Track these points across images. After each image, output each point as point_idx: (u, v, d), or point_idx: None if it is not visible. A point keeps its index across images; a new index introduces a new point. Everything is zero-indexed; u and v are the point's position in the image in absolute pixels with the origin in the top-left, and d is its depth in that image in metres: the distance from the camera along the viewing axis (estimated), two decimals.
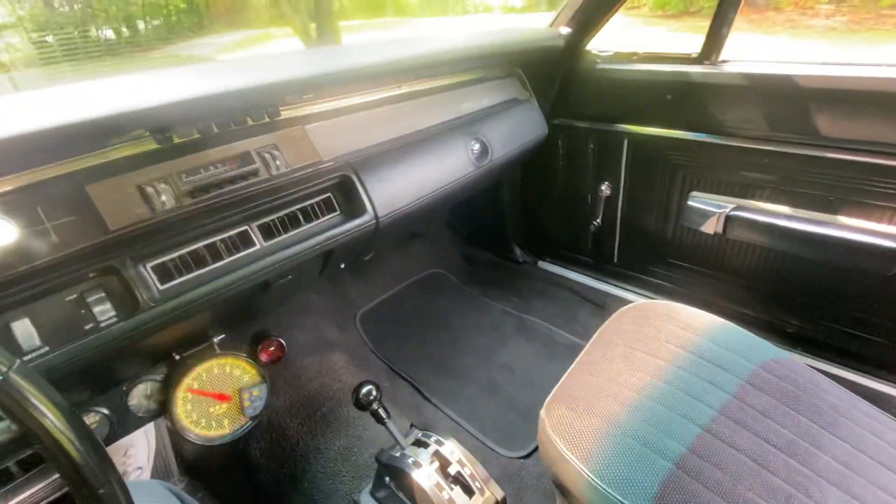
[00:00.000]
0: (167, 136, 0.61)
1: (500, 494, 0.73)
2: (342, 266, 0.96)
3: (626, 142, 1.24)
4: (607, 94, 1.23)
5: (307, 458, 0.97)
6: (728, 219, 1.10)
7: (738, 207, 1.09)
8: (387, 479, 0.79)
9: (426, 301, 1.61)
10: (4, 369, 0.25)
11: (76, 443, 0.27)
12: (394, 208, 0.86)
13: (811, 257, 1.04)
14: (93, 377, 0.67)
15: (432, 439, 0.77)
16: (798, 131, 0.97)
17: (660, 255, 1.34)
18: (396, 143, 0.92)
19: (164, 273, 0.64)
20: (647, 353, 0.76)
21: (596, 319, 1.51)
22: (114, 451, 0.87)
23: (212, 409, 0.79)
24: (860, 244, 0.94)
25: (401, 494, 0.77)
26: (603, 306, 1.50)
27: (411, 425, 0.82)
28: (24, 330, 0.54)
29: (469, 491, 0.72)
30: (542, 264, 1.68)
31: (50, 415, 0.26)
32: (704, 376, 0.72)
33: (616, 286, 1.51)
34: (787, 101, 0.96)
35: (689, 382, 0.71)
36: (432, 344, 1.42)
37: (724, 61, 1.06)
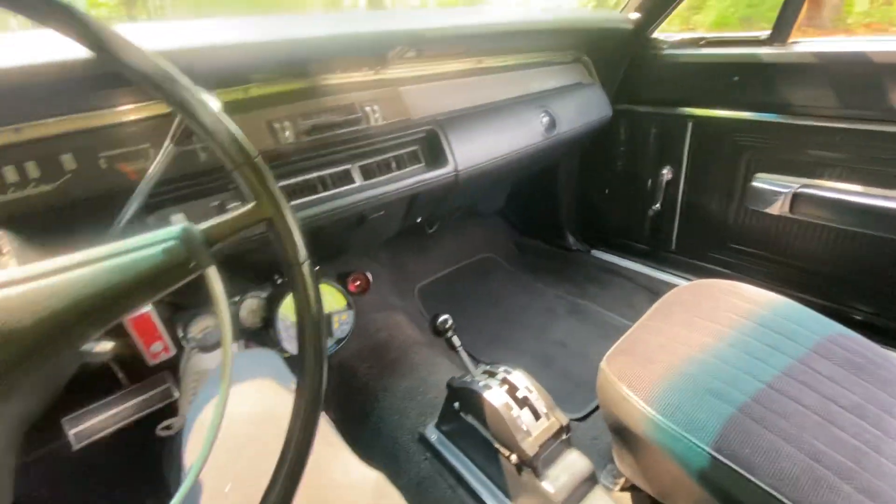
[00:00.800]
0: (302, 71, 0.73)
1: (564, 420, 0.77)
2: (419, 220, 1.05)
3: (689, 125, 1.27)
4: (673, 79, 1.27)
5: (375, 397, 1.05)
6: (795, 198, 1.11)
7: (806, 186, 1.09)
8: (456, 404, 0.85)
9: (479, 282, 1.68)
10: (253, 155, 0.35)
11: (291, 216, 0.36)
12: (472, 163, 0.95)
13: (883, 235, 1.03)
14: None
15: (501, 369, 0.83)
16: (871, 107, 0.98)
17: (720, 240, 1.34)
18: (475, 109, 1.01)
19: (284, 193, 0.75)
20: (709, 321, 0.77)
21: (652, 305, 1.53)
22: (200, 374, 0.99)
23: None
24: None
25: (469, 418, 0.83)
26: (659, 294, 1.51)
27: (478, 361, 0.88)
28: (180, 221, 0.66)
29: (536, 414, 0.77)
30: (596, 252, 1.71)
31: (278, 195, 0.36)
32: (767, 342, 0.72)
33: (673, 273, 1.52)
34: (860, 77, 0.98)
35: (752, 346, 0.71)
36: (486, 319, 1.48)
37: (794, 42, 1.09)
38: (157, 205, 0.66)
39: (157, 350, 0.63)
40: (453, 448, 0.90)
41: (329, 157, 0.81)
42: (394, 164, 0.88)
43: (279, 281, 0.88)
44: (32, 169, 0.59)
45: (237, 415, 0.53)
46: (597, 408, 1.10)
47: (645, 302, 1.53)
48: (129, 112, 0.66)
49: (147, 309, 0.63)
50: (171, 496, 0.33)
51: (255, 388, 0.56)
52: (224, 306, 0.36)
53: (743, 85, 1.15)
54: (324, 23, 0.74)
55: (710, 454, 0.59)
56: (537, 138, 1.09)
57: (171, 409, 0.99)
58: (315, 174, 0.79)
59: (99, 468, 0.95)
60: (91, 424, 0.98)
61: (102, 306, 0.32)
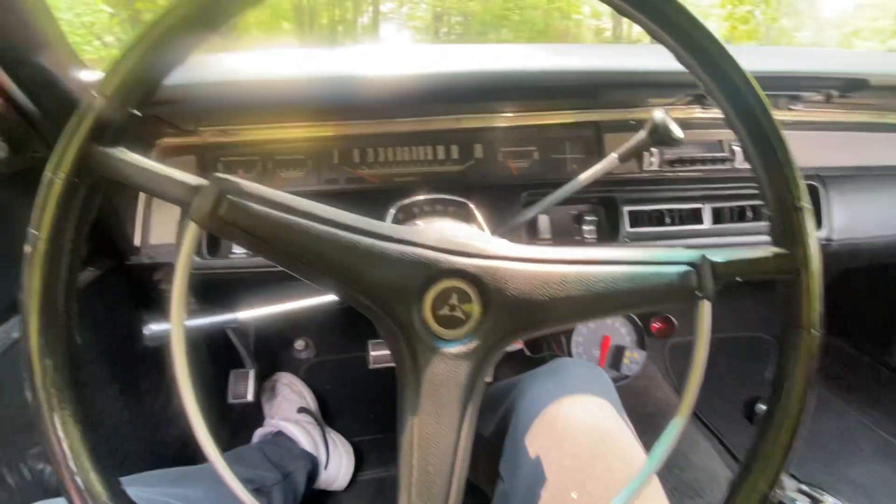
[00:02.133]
0: None
1: None
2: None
3: None
4: None
5: None
6: None
7: None
8: None
9: (745, 364, 1.41)
10: (803, 198, 0.33)
11: (820, 275, 0.33)
12: (851, 236, 0.77)
13: None
14: None
15: (828, 498, 0.66)
16: None
17: None
18: (867, 171, 0.82)
19: (634, 219, 0.74)
20: None
21: None
22: None
23: (594, 351, 0.89)
24: None
25: None
26: None
27: (790, 474, 0.72)
28: (544, 223, 0.71)
29: None
30: None
31: (813, 249, 0.33)
32: None
33: None
34: None
35: None
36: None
37: None
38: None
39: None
40: None
41: (684, 191, 0.77)
42: (750, 214, 0.78)
43: None
44: (454, 151, 0.72)
45: (579, 424, 0.53)
46: None
47: None
48: (525, 118, 0.75)
49: None
50: None
51: (596, 403, 0.56)
52: (705, 342, 0.35)
53: None
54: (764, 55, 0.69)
55: None
56: None
57: None
58: (666, 206, 0.76)
59: (381, 382, 1.15)
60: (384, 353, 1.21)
61: (608, 305, 0.34)
